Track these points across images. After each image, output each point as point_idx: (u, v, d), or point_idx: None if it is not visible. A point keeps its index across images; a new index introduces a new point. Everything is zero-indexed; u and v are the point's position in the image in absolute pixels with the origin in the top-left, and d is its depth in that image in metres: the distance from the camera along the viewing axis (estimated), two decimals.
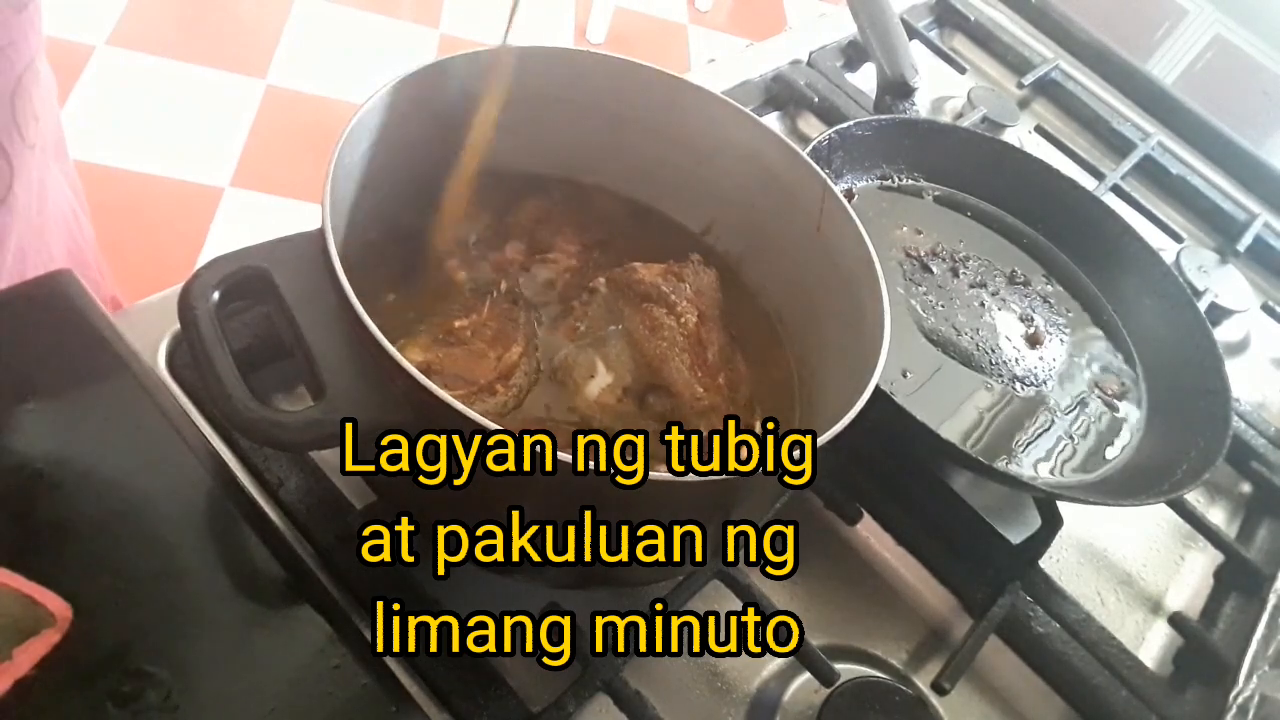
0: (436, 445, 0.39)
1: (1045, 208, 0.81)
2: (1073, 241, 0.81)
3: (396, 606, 0.47)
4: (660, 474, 0.37)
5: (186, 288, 0.38)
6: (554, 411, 0.48)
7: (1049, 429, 0.67)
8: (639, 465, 0.42)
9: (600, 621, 0.50)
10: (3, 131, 0.53)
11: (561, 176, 0.58)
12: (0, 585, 0.38)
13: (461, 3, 2.52)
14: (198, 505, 0.45)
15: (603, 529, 0.42)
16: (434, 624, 0.47)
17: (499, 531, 0.44)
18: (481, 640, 0.47)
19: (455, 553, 0.47)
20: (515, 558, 0.46)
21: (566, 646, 0.48)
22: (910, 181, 0.80)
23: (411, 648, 0.46)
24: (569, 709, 0.46)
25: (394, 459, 0.43)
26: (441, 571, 0.50)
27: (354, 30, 2.33)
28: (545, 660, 0.49)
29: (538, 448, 0.35)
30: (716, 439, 0.48)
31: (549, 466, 0.36)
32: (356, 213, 0.50)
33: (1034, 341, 0.72)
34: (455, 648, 0.47)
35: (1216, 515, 0.75)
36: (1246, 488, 0.78)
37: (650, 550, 0.46)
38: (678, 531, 0.45)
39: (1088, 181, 0.90)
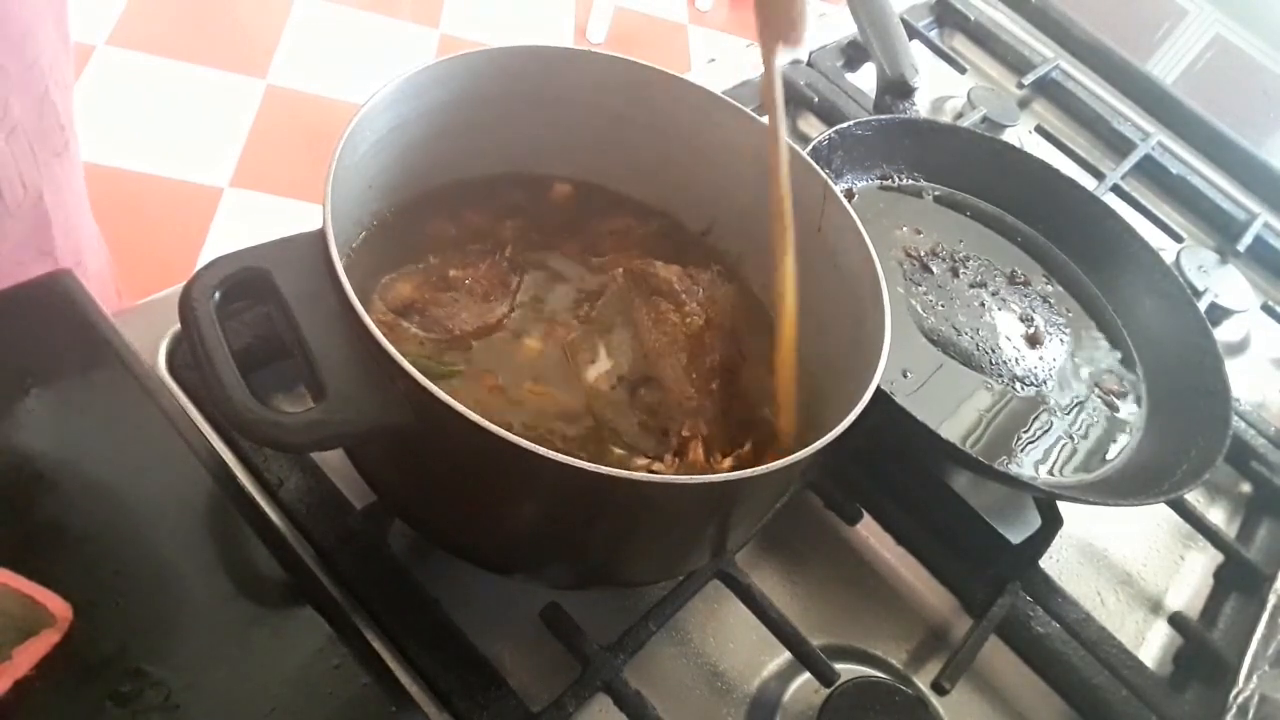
0: (437, 446, 0.39)
1: (1045, 208, 0.81)
2: (1073, 241, 0.81)
3: (397, 607, 0.47)
4: (661, 474, 0.37)
5: (187, 288, 0.38)
6: (551, 388, 0.48)
7: (1049, 429, 0.67)
8: (639, 466, 0.42)
9: (600, 621, 0.50)
10: (32, 141, 0.54)
11: (562, 176, 0.58)
12: (0, 585, 0.38)
13: (461, 3, 2.52)
14: (198, 505, 0.45)
15: (603, 529, 0.43)
16: (434, 624, 0.47)
17: (499, 532, 0.44)
18: (481, 640, 0.47)
19: (455, 552, 0.47)
20: (516, 558, 0.47)
21: (566, 646, 0.48)
22: (910, 181, 0.80)
23: (412, 648, 0.46)
24: (569, 709, 0.46)
25: (394, 459, 0.43)
26: (441, 571, 0.50)
27: (354, 30, 2.33)
28: (545, 659, 0.49)
29: (538, 449, 0.35)
30: (694, 447, 0.47)
31: (549, 468, 0.36)
32: (357, 213, 0.50)
33: (1034, 341, 0.72)
34: (455, 647, 0.47)
35: (1216, 515, 0.75)
36: (1246, 488, 0.78)
37: (650, 550, 0.46)
38: (678, 532, 0.45)
39: (1088, 181, 0.90)
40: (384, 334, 0.49)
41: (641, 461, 0.46)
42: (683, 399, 0.48)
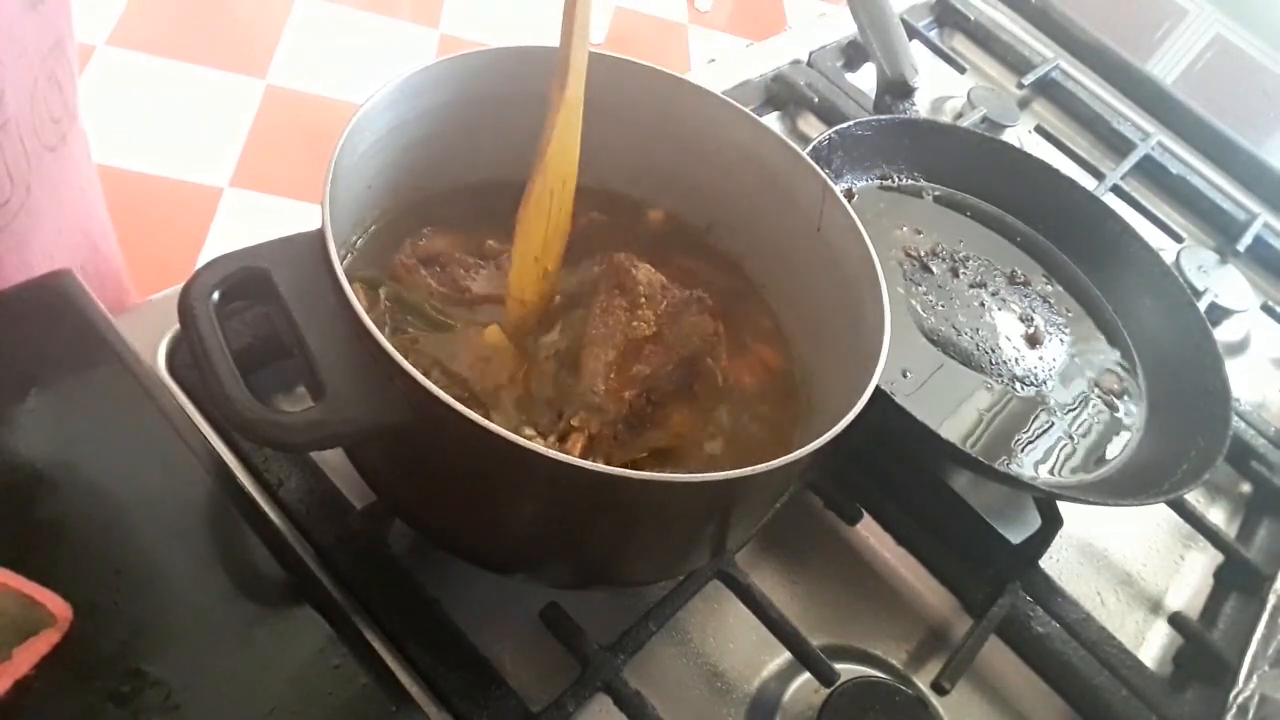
0: (436, 445, 0.39)
1: (1045, 208, 0.81)
2: (1073, 241, 0.81)
3: (397, 607, 0.47)
4: (661, 474, 0.37)
5: (186, 288, 0.39)
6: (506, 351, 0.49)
7: (1049, 429, 0.67)
8: (638, 465, 0.42)
9: (600, 621, 0.50)
10: (23, 134, 0.53)
11: None
12: (0, 585, 0.38)
13: (461, 3, 2.52)
14: (198, 505, 0.45)
15: (602, 528, 0.43)
16: (434, 624, 0.47)
17: (498, 531, 0.44)
18: (481, 640, 0.47)
19: (454, 552, 0.47)
20: (515, 558, 0.47)
21: (566, 646, 0.48)
22: (910, 181, 0.80)
23: (412, 648, 0.46)
24: (569, 709, 0.46)
25: (394, 459, 0.43)
26: (441, 571, 0.50)
27: (354, 30, 2.33)
28: (545, 659, 0.49)
29: (537, 448, 0.35)
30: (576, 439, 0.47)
31: (548, 467, 0.36)
32: (357, 213, 0.50)
33: (1034, 341, 0.72)
34: (456, 647, 0.47)
35: (1216, 515, 0.75)
36: (1246, 488, 0.78)
37: (650, 550, 0.46)
38: (678, 531, 0.45)
39: (1088, 181, 0.90)
40: (401, 275, 0.49)
41: (528, 431, 0.46)
42: (588, 391, 0.48)
